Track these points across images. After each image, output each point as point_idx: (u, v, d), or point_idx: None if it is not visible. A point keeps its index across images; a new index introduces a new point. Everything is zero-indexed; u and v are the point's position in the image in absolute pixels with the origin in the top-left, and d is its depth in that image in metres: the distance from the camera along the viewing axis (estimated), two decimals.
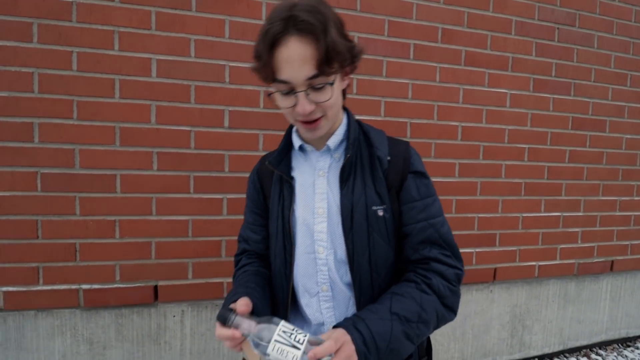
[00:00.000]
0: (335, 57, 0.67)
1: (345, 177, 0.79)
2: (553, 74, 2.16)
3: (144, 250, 1.62)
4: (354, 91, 1.82)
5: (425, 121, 1.95)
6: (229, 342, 0.67)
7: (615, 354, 2.46)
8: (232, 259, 1.71)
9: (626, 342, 2.62)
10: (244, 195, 1.69)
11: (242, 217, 1.74)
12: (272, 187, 0.88)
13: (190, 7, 1.58)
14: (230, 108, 1.66)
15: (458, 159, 2.03)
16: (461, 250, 2.17)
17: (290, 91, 0.69)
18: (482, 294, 2.17)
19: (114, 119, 1.54)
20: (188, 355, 1.73)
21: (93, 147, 1.53)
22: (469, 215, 2.07)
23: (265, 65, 0.68)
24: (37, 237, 1.51)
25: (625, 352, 2.48)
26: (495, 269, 2.16)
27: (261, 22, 1.65)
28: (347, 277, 0.79)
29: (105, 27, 1.50)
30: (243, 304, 0.68)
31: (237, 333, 0.64)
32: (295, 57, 0.65)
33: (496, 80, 2.05)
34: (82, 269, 1.56)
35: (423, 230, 0.78)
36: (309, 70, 0.66)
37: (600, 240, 2.38)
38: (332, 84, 0.70)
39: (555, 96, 2.17)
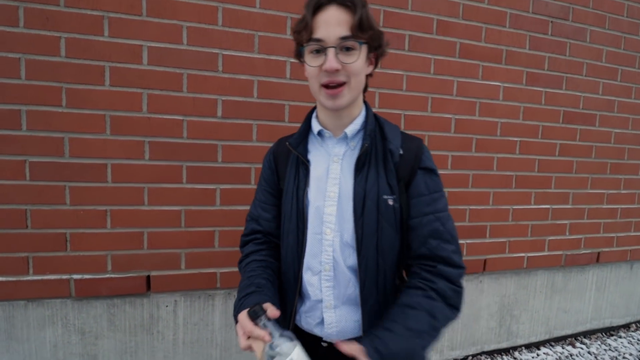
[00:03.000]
0: (367, 28, 0.76)
1: (361, 165, 0.83)
2: (546, 67, 2.17)
3: (136, 240, 1.61)
4: None
5: (419, 113, 1.96)
6: (247, 340, 0.70)
7: (599, 342, 2.54)
8: (225, 249, 1.72)
9: (610, 331, 2.70)
10: (238, 186, 1.70)
11: (235, 207, 1.74)
12: (287, 168, 0.92)
13: None
14: (224, 97, 1.64)
15: (451, 151, 2.04)
16: None
17: (322, 49, 0.76)
18: (471, 285, 2.21)
19: (105, 107, 1.51)
20: (181, 345, 1.73)
21: (83, 136, 1.50)
22: (461, 207, 2.10)
23: (305, 27, 0.76)
24: (27, 226, 1.49)
25: (609, 341, 2.56)
26: (485, 260, 2.19)
27: (255, 10, 1.63)
28: (351, 260, 0.84)
29: (94, 12, 1.46)
30: (274, 309, 0.73)
31: (267, 336, 0.67)
32: (332, 19, 0.75)
33: (490, 73, 2.06)
34: (73, 259, 1.55)
35: (430, 223, 0.82)
36: (342, 30, 0.75)
37: (587, 233, 2.44)
38: (361, 43, 0.77)
39: (548, 90, 2.19)
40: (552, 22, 2.14)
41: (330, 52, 0.75)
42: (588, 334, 2.63)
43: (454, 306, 0.81)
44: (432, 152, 1.97)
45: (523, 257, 2.28)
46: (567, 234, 2.38)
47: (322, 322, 0.88)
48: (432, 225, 0.82)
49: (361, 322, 0.85)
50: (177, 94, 1.59)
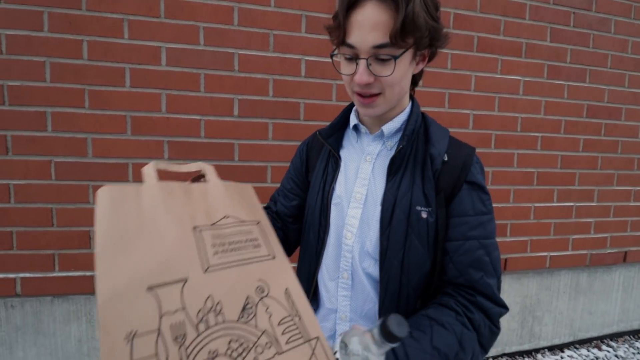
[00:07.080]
0: (412, 31, 0.61)
1: (395, 169, 0.73)
2: (568, 60, 2.10)
3: None
4: None
5: (436, 109, 1.92)
6: None
7: (626, 345, 2.44)
8: None
9: (638, 333, 2.59)
10: (254, 184, 1.70)
11: None
12: (317, 161, 0.86)
13: None
14: (240, 97, 1.66)
15: None
16: None
17: (354, 57, 0.65)
18: None
19: (125, 107, 1.55)
20: None
21: (105, 136, 1.54)
22: None
23: (338, 27, 0.64)
24: (52, 224, 1.54)
25: (637, 344, 2.46)
26: (506, 259, 2.14)
27: (270, 9, 1.64)
28: (372, 271, 0.75)
29: (114, 15, 1.50)
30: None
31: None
32: (367, 21, 0.61)
33: (509, 67, 2.01)
34: None
35: (472, 250, 0.70)
36: (377, 37, 0.61)
37: (613, 231, 2.35)
38: (397, 57, 0.63)
39: (570, 83, 2.12)
40: (574, 13, 2.07)
41: (361, 64, 0.63)
42: (615, 336, 2.53)
43: (484, 345, 0.69)
44: None
45: (546, 256, 2.22)
46: (592, 232, 2.30)
47: (334, 335, 0.79)
48: (475, 254, 0.69)
49: None
50: (195, 94, 1.61)
